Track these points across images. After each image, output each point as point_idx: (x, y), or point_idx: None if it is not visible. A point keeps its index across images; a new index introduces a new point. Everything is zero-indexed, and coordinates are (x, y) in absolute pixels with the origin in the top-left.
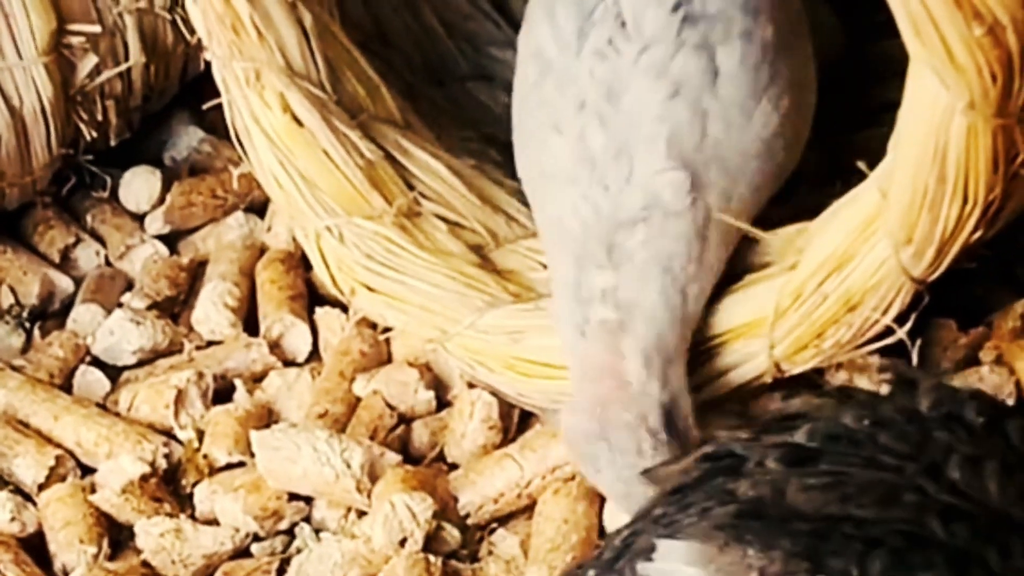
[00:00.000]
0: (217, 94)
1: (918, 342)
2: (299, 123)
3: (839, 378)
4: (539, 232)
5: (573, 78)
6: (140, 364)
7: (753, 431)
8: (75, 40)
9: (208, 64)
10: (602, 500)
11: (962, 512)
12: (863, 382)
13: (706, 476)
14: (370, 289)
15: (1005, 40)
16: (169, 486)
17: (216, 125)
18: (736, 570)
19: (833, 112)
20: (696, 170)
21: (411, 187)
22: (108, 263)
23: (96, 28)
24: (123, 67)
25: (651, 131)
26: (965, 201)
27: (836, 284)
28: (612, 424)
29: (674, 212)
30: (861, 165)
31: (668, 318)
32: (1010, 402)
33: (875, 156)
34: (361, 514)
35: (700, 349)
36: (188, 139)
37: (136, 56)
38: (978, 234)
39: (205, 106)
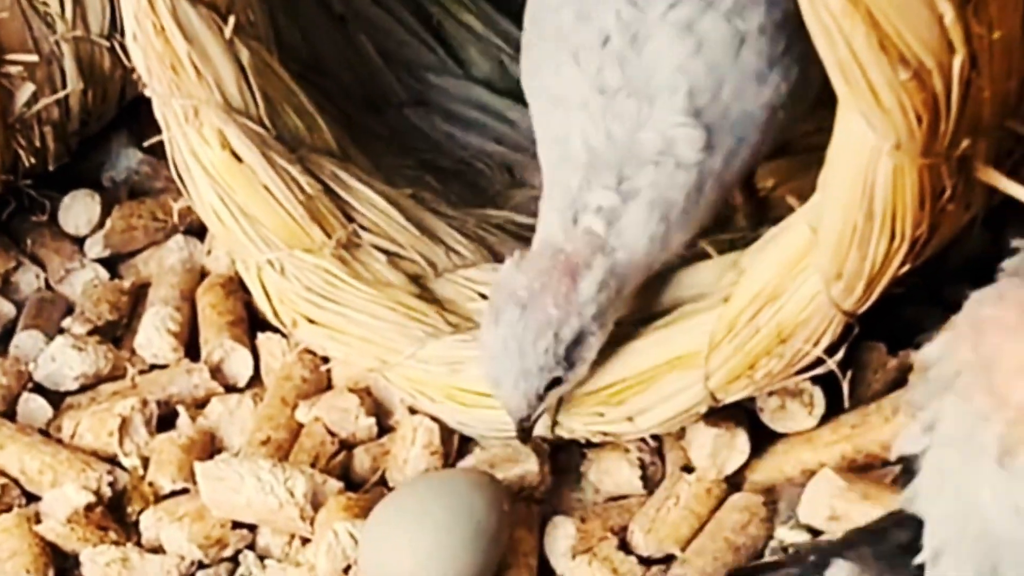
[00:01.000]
0: (155, 116)
1: (849, 372)
2: (238, 159)
3: (772, 404)
4: (539, 150)
5: (598, 11)
6: (83, 389)
7: None
8: (13, 69)
9: (144, 84)
10: (542, 526)
11: None
12: (795, 406)
13: None
14: (311, 321)
15: (930, 83)
16: (114, 514)
17: (155, 146)
18: None
19: None
20: (710, 128)
21: (350, 219)
22: (48, 287)
23: (33, 57)
24: (61, 94)
25: (672, 82)
26: (893, 237)
27: (768, 317)
28: (536, 306)
29: (685, 164)
30: (791, 200)
31: (644, 263)
32: None
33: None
34: (305, 541)
35: (636, 380)
36: (127, 160)
37: (74, 83)
38: (906, 267)
39: (146, 143)
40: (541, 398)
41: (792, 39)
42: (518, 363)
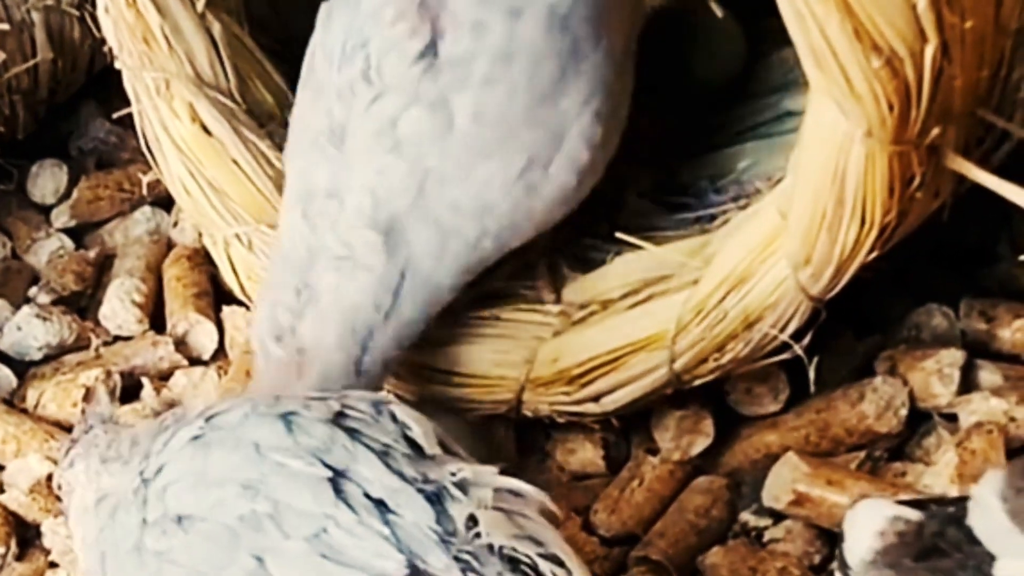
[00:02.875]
0: (124, 88)
1: (815, 358)
2: (208, 132)
3: (738, 387)
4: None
5: (322, 105)
6: (47, 360)
7: None
8: None
9: (114, 56)
10: None
11: None
12: (761, 390)
13: None
14: None
15: (902, 71)
16: None
17: (123, 116)
18: None
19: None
20: (401, 228)
21: None
22: (15, 256)
23: (4, 26)
24: (30, 63)
25: (363, 182)
26: (863, 224)
27: (736, 301)
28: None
29: (365, 266)
30: (760, 185)
31: (349, 375)
32: (903, 412)
33: (775, 164)
34: None
35: (602, 361)
36: (94, 130)
37: (43, 52)
38: (874, 253)
39: (115, 115)
40: None
41: (531, 114)
42: None
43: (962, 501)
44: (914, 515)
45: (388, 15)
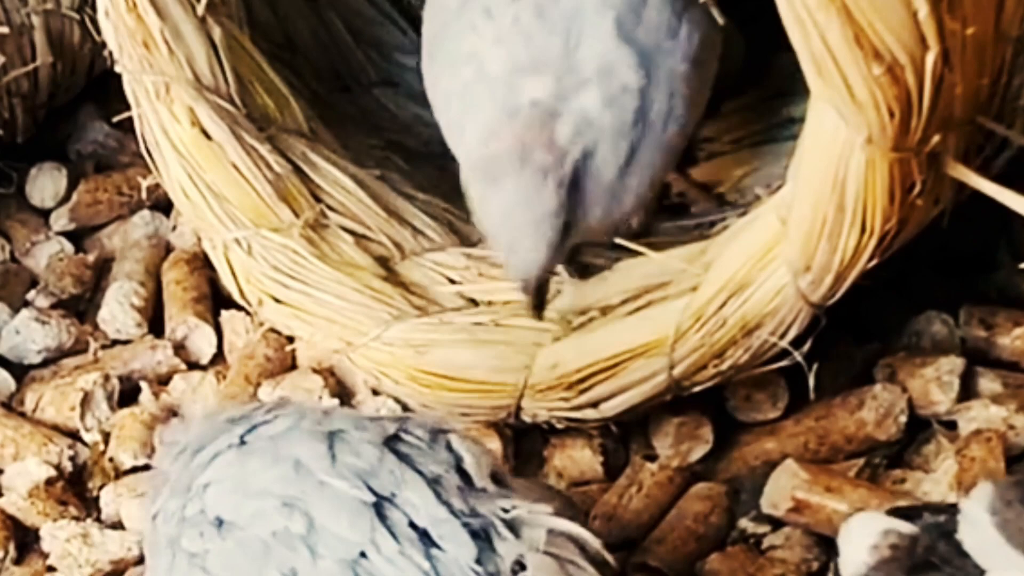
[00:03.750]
0: (123, 91)
1: (815, 364)
2: (208, 136)
3: (737, 394)
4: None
5: None
6: (46, 363)
7: None
8: None
9: (114, 59)
10: None
11: None
12: (761, 397)
13: None
14: (277, 300)
15: (903, 78)
16: (75, 489)
17: (122, 120)
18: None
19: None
20: (643, 54)
21: (318, 199)
22: (14, 259)
23: (3, 29)
24: (30, 67)
25: (597, 17)
26: (863, 231)
27: (735, 307)
28: (527, 159)
29: (629, 88)
30: (760, 191)
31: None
32: (902, 419)
33: (775, 171)
34: None
35: (601, 367)
36: (94, 134)
37: (43, 56)
38: (874, 261)
39: (115, 119)
40: (558, 249)
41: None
42: (528, 216)
43: (953, 510)
44: (907, 528)
45: None
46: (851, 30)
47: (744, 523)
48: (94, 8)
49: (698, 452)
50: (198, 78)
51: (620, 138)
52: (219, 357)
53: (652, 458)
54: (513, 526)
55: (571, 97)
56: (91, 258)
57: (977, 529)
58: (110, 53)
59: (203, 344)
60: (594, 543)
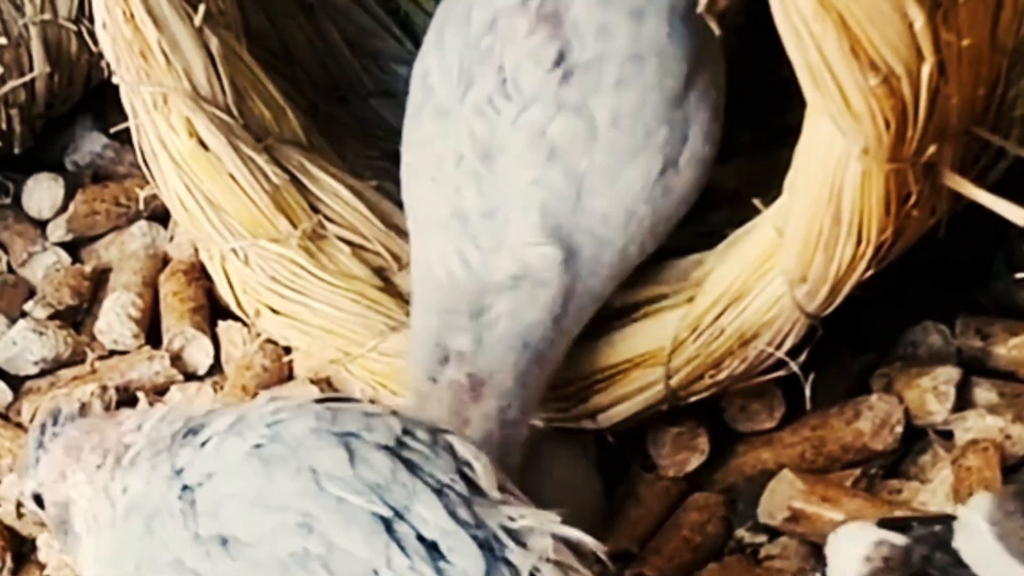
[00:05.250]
0: (120, 102)
1: (811, 375)
2: (205, 147)
3: (734, 404)
4: (411, 269)
5: (453, 126)
6: (43, 374)
7: None
8: None
9: (112, 70)
10: None
11: None
12: (757, 407)
13: None
14: (274, 311)
15: (899, 89)
16: None
17: (118, 131)
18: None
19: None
20: (568, 238)
21: (316, 210)
22: (11, 270)
23: (1, 40)
24: (27, 78)
25: (526, 197)
26: (859, 241)
27: (732, 318)
28: None
29: (543, 283)
30: (757, 202)
31: (518, 392)
32: (899, 429)
33: (772, 181)
34: None
35: (598, 377)
36: (91, 144)
37: (40, 67)
38: (870, 271)
39: (112, 129)
40: None
41: (664, 113)
42: None
43: (946, 520)
44: (899, 539)
45: (520, 27)
46: (847, 41)
47: (741, 533)
48: (91, 19)
49: (695, 462)
50: (195, 89)
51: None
52: (216, 368)
53: (649, 468)
54: (520, 536)
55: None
56: (88, 269)
57: (976, 539)
58: (107, 64)
59: (200, 355)
60: (596, 548)
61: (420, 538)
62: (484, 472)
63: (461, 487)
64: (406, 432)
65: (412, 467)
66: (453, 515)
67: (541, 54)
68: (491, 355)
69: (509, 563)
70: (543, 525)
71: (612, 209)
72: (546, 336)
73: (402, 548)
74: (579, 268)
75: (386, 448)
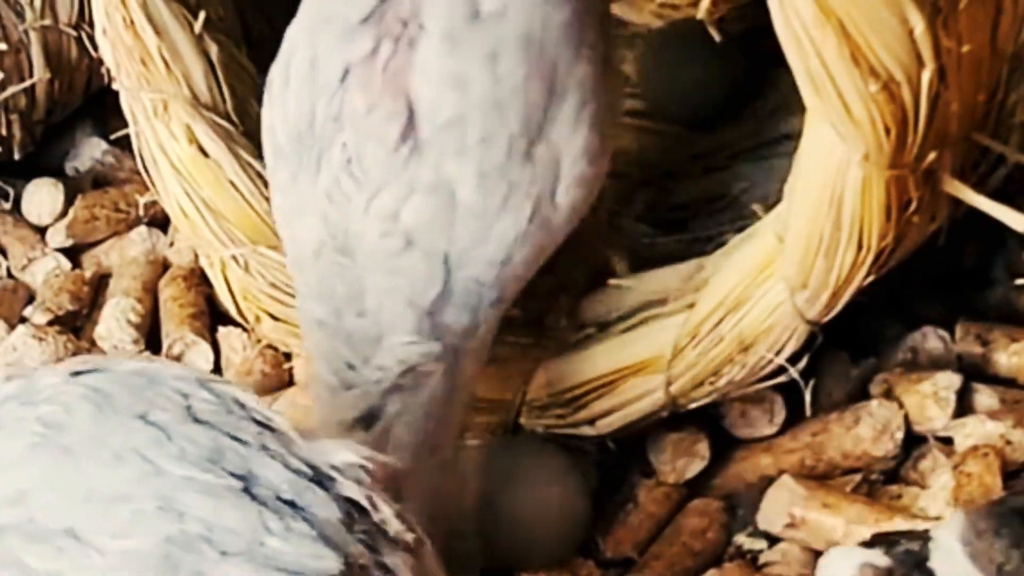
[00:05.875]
0: (120, 108)
1: (811, 381)
2: (205, 154)
3: (733, 410)
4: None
5: (310, 204)
6: None
7: None
8: None
9: (112, 76)
10: None
11: None
12: (757, 413)
13: None
14: (274, 318)
15: (900, 95)
16: None
17: (119, 136)
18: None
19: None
20: (445, 322)
21: None
22: (10, 275)
23: (1, 46)
24: (27, 83)
25: (392, 293)
26: (859, 248)
27: (732, 324)
28: None
29: (427, 372)
30: (756, 208)
31: (433, 450)
32: (899, 436)
33: (772, 187)
34: None
35: (597, 384)
36: (91, 150)
37: (40, 72)
38: (871, 277)
39: (113, 135)
40: None
41: (524, 163)
42: None
43: (925, 538)
44: (882, 561)
45: (360, 104)
46: (847, 47)
47: (741, 539)
48: (92, 25)
49: (695, 468)
50: (195, 96)
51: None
52: (216, 374)
53: (649, 474)
54: (345, 470)
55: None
56: (88, 275)
57: (950, 559)
58: (107, 70)
59: (200, 361)
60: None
61: (279, 498)
62: (280, 419)
63: (269, 437)
64: (182, 393)
65: (220, 429)
66: (288, 467)
67: (385, 132)
68: (393, 443)
69: (349, 499)
70: (357, 452)
71: (484, 271)
72: (444, 402)
73: (274, 511)
74: (462, 340)
75: (190, 417)
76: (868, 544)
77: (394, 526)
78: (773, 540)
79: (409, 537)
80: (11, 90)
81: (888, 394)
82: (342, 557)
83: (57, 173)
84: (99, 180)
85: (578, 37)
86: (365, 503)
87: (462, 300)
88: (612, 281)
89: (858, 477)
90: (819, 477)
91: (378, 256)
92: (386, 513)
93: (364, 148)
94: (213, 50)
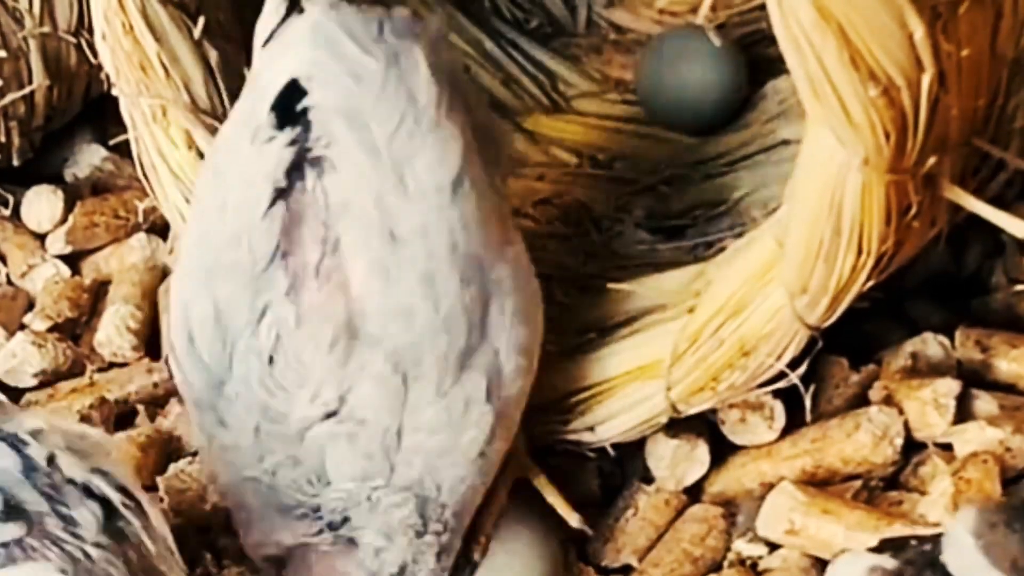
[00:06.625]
0: (120, 114)
1: (811, 387)
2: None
3: (733, 416)
4: None
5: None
6: (41, 386)
7: None
8: None
9: (111, 83)
10: None
11: None
12: (756, 419)
13: None
14: None
15: (899, 100)
16: None
17: (118, 143)
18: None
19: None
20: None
21: None
22: (10, 282)
23: (0, 52)
24: (27, 90)
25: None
26: (859, 252)
27: (732, 330)
28: None
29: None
30: (756, 213)
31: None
32: (898, 442)
33: (771, 192)
34: None
35: (597, 390)
36: (90, 157)
37: (39, 79)
38: (871, 282)
39: (112, 141)
40: None
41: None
42: None
43: (939, 537)
44: (890, 563)
45: (288, 316)
46: (847, 52)
47: (740, 545)
48: (91, 31)
49: (694, 474)
50: (195, 101)
51: None
52: None
53: (649, 480)
54: (37, 435)
55: None
56: (87, 281)
57: (962, 552)
58: (107, 76)
59: None
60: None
61: None
62: None
63: None
64: None
65: None
66: None
67: (319, 335)
68: None
69: (28, 456)
70: (56, 426)
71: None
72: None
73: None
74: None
75: None
76: (876, 549)
77: (94, 485)
78: (773, 546)
79: (113, 496)
80: (10, 97)
81: (888, 400)
82: (5, 498)
83: (56, 180)
84: (98, 186)
85: (498, 234)
86: (59, 462)
87: (429, 467)
88: (612, 286)
89: (858, 483)
90: (819, 483)
91: (340, 453)
92: (77, 473)
93: (303, 352)
94: (212, 55)
